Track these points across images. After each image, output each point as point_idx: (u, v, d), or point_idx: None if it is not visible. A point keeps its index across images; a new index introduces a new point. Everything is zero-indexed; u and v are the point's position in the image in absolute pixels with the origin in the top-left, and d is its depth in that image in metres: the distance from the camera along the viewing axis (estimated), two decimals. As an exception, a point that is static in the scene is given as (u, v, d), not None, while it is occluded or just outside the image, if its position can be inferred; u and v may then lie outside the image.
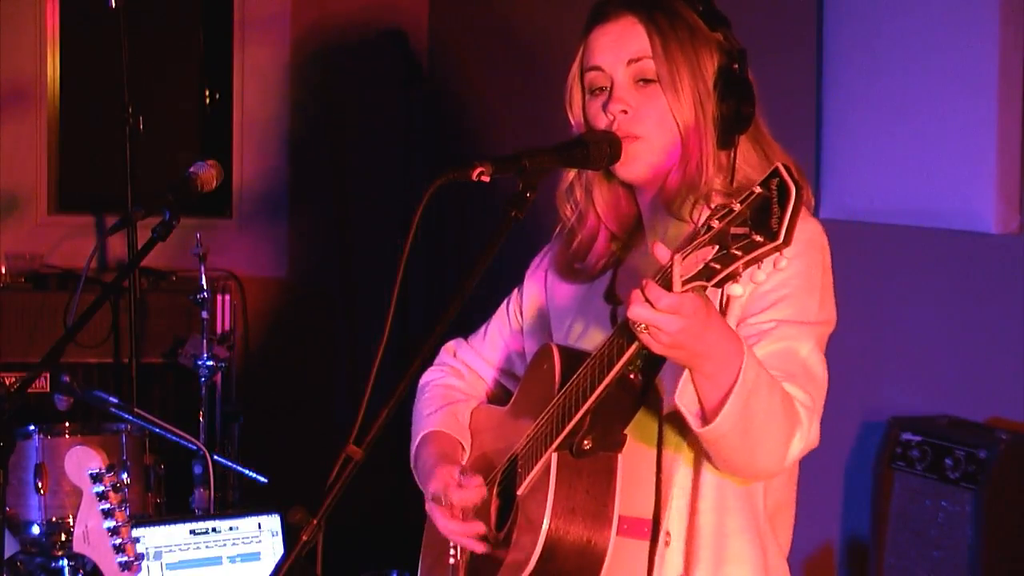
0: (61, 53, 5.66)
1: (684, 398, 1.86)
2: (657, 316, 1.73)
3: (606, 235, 2.18)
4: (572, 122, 2.15)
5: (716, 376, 1.81)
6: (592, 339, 2.12)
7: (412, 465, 2.30)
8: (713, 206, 2.00)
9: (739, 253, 1.64)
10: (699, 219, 2.05)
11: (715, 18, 2.06)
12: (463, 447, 2.29)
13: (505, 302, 2.36)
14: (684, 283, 1.71)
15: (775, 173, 1.62)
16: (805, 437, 1.90)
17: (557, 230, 2.25)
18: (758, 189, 1.63)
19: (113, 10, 4.40)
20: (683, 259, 1.71)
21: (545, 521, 1.95)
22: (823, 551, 3.72)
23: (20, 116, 5.57)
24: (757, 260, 1.63)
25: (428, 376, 2.39)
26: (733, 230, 1.65)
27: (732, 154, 2.03)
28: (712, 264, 1.67)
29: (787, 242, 1.60)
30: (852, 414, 3.63)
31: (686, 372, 1.84)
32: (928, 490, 3.28)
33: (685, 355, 1.79)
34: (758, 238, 1.62)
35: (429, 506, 2.16)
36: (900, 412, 3.46)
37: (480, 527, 2.12)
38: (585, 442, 1.95)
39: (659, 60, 2.04)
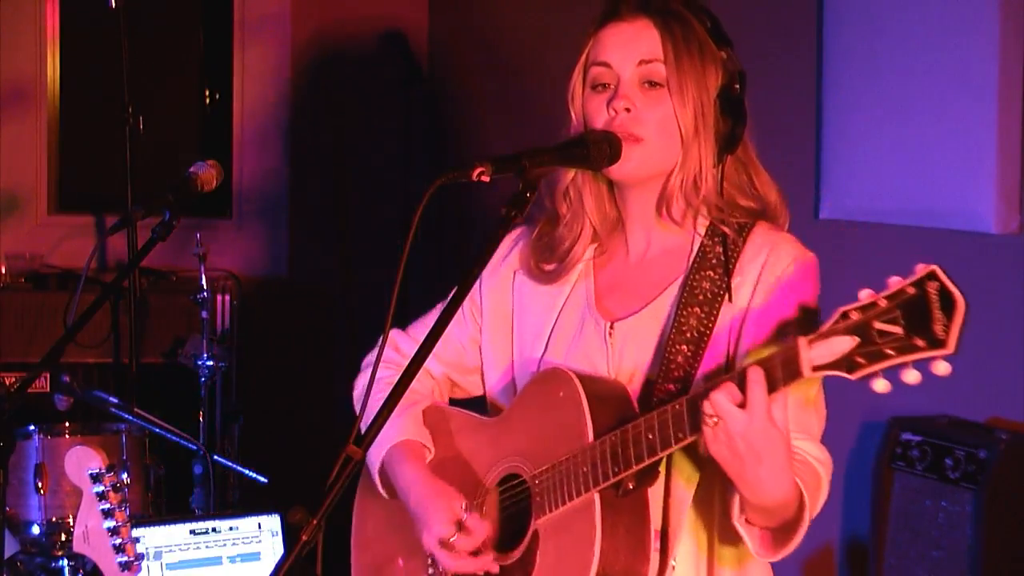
0: (61, 53, 5.65)
1: (741, 516, 1.91)
2: (734, 411, 1.77)
3: (589, 236, 2.18)
4: (573, 116, 2.14)
5: (776, 514, 1.88)
6: (585, 353, 2.12)
7: (373, 468, 2.26)
8: (709, 224, 2.03)
9: (891, 352, 1.65)
10: (695, 229, 2.08)
11: (721, 37, 2.08)
12: (429, 450, 2.26)
13: None
14: (816, 369, 1.72)
15: (933, 276, 1.64)
16: (824, 492, 1.99)
17: (538, 230, 2.23)
18: (911, 290, 1.65)
19: (113, 10, 4.41)
20: (810, 344, 1.72)
21: (594, 564, 1.94)
22: (823, 551, 3.72)
23: (20, 116, 5.56)
24: (912, 362, 1.64)
25: (377, 373, 2.29)
26: (879, 326, 1.65)
27: (720, 170, 2.06)
28: (856, 357, 1.67)
29: (957, 350, 1.62)
30: (852, 414, 3.63)
31: (738, 500, 1.89)
32: (928, 490, 3.28)
33: (737, 474, 1.83)
34: (919, 342, 1.63)
35: (433, 546, 2.10)
36: (900, 412, 3.46)
37: (492, 565, 2.09)
38: (630, 483, 1.96)
39: (670, 66, 2.05)
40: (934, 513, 3.26)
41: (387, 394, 2.29)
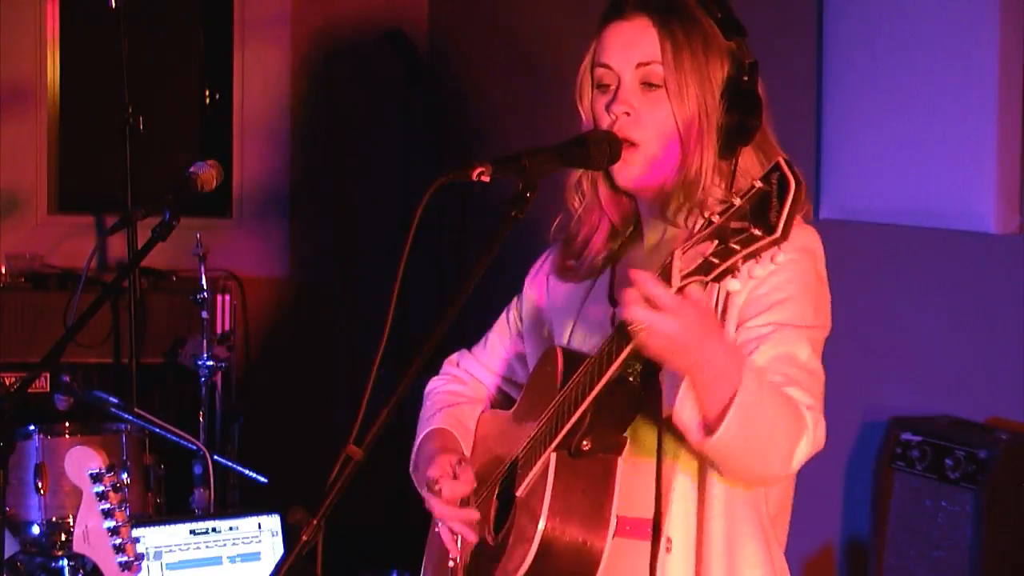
0: (61, 53, 5.66)
1: (684, 412, 1.85)
2: (654, 316, 1.73)
3: (606, 230, 2.18)
4: (582, 115, 2.14)
5: (715, 387, 1.80)
6: (595, 342, 2.11)
7: (412, 465, 2.30)
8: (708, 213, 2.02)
9: (737, 247, 1.65)
10: (694, 224, 2.05)
11: (731, 27, 2.05)
12: (461, 444, 2.29)
13: (505, 311, 2.37)
14: (683, 277, 1.71)
15: (776, 167, 1.63)
16: (812, 440, 1.90)
17: (554, 229, 2.24)
18: (759, 184, 1.64)
19: (113, 10, 4.41)
20: (683, 254, 1.72)
21: (541, 520, 1.94)
22: (823, 551, 3.72)
23: (20, 116, 5.57)
24: (755, 254, 1.64)
25: (432, 384, 2.41)
26: (732, 224, 1.65)
27: (733, 163, 2.02)
28: (711, 258, 1.67)
29: (784, 236, 1.61)
30: (852, 414, 3.63)
31: (684, 385, 1.84)
32: (928, 490, 3.28)
33: (681, 361, 1.79)
34: (756, 232, 1.63)
35: (425, 492, 2.16)
36: (900, 412, 3.46)
37: (474, 514, 2.12)
38: (584, 442, 1.95)
39: (668, 67, 2.03)
40: (934, 513, 3.26)
41: (433, 400, 2.36)
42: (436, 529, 2.24)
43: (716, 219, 1.67)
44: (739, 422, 1.80)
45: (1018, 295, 3.30)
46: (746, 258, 1.64)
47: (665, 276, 1.74)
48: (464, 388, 2.38)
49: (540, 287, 2.28)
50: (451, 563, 2.23)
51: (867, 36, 3.63)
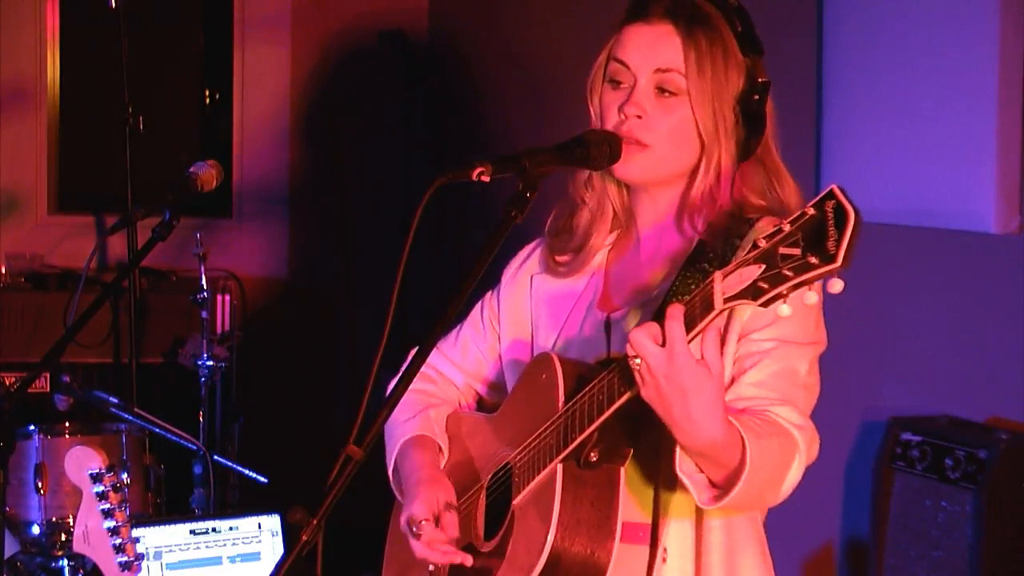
0: (61, 53, 5.66)
1: (685, 466, 1.88)
2: (653, 350, 1.75)
3: (609, 220, 2.18)
4: (592, 110, 2.14)
5: (714, 458, 1.84)
6: (586, 347, 2.12)
7: (390, 471, 2.28)
8: (711, 222, 2.03)
9: (791, 274, 1.64)
10: (699, 233, 2.06)
11: (750, 44, 2.06)
12: (442, 451, 2.27)
13: (478, 307, 2.32)
14: (727, 300, 1.71)
15: (831, 195, 1.63)
16: (803, 461, 1.94)
17: (550, 222, 2.23)
18: (811, 211, 1.64)
19: (113, 10, 4.41)
20: (724, 277, 1.71)
21: (550, 533, 1.94)
22: (823, 551, 3.72)
23: (20, 116, 5.57)
24: (810, 281, 1.64)
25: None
26: (782, 250, 1.65)
27: (734, 174, 2.06)
28: (760, 283, 1.67)
29: (846, 264, 1.61)
30: (852, 414, 3.63)
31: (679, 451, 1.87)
32: (928, 490, 3.28)
33: (666, 414, 1.81)
34: (813, 259, 1.62)
35: (403, 527, 2.14)
36: (900, 412, 3.46)
37: (465, 557, 2.09)
38: (592, 454, 1.95)
39: (691, 78, 2.04)
40: (934, 513, 3.26)
41: (405, 401, 2.30)
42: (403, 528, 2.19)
43: (761, 243, 1.67)
44: (743, 490, 1.84)
45: (1018, 295, 3.30)
46: (799, 285, 1.64)
47: (706, 301, 1.74)
48: (433, 387, 2.33)
49: (523, 286, 2.26)
50: (431, 568, 2.22)
51: (867, 36, 3.63)
